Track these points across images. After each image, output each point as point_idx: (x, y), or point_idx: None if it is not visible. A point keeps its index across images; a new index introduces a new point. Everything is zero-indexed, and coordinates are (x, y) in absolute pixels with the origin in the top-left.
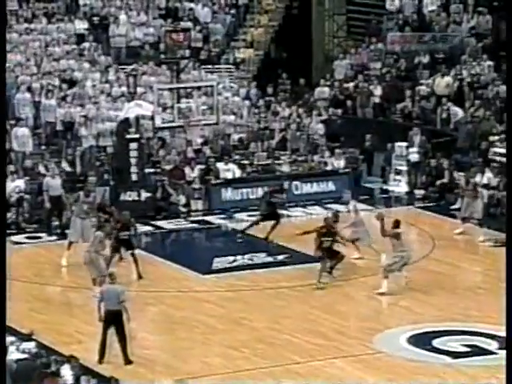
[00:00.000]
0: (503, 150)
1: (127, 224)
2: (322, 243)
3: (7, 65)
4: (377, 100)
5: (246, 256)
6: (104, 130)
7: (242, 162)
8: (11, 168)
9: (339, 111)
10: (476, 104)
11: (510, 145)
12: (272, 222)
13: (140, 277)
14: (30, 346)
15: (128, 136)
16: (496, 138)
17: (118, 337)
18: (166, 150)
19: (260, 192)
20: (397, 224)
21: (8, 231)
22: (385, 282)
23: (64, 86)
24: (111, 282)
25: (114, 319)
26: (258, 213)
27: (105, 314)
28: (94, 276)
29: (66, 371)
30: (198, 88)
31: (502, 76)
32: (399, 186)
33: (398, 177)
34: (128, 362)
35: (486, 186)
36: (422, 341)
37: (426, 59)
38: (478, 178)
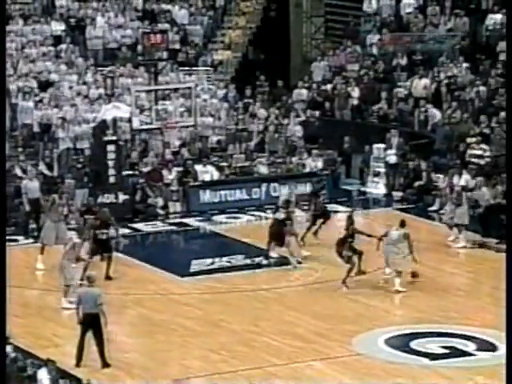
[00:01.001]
0: (480, 152)
1: (106, 221)
2: (351, 244)
3: None
4: (355, 102)
5: (224, 258)
6: (81, 132)
7: (220, 164)
8: None
9: (317, 113)
10: (453, 106)
11: (510, 144)
12: (321, 220)
13: (109, 278)
14: (7, 349)
15: (105, 138)
16: (473, 139)
17: (95, 340)
18: (144, 152)
19: (238, 194)
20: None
21: None
22: (396, 280)
23: (41, 87)
24: (89, 284)
25: (91, 322)
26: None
27: (82, 316)
28: (62, 284)
29: (43, 375)
30: (176, 90)
31: (481, 78)
32: (377, 188)
33: (376, 179)
34: (105, 365)
35: (464, 188)
36: (401, 342)
37: (403, 61)
38: (455, 180)
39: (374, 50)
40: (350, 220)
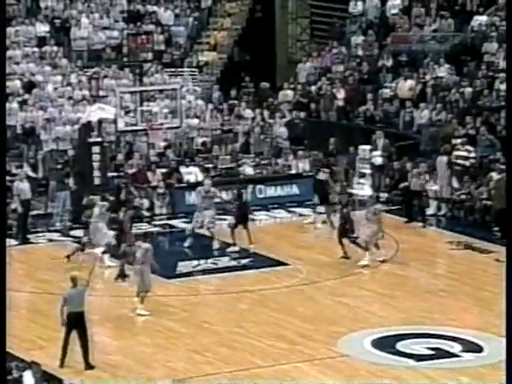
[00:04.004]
0: (465, 153)
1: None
2: None
3: None
4: (340, 103)
5: (209, 260)
6: (66, 133)
7: (206, 165)
8: None
9: (303, 114)
10: (438, 107)
11: (510, 145)
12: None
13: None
14: None
15: (90, 140)
16: (458, 141)
17: (80, 340)
18: (129, 153)
19: (224, 195)
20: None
21: None
22: (366, 254)
23: (25, 89)
24: (73, 285)
25: (76, 321)
26: None
27: (67, 316)
28: (139, 290)
29: (28, 377)
30: (161, 91)
31: (466, 79)
32: (363, 189)
33: (361, 180)
34: (89, 366)
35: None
36: (386, 344)
37: (388, 62)
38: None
39: (360, 52)
40: None
